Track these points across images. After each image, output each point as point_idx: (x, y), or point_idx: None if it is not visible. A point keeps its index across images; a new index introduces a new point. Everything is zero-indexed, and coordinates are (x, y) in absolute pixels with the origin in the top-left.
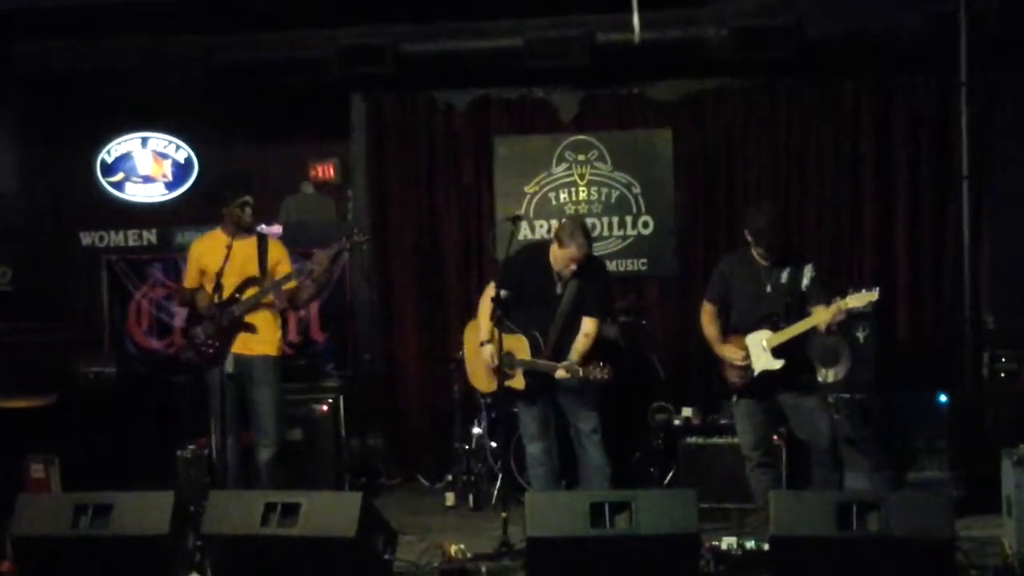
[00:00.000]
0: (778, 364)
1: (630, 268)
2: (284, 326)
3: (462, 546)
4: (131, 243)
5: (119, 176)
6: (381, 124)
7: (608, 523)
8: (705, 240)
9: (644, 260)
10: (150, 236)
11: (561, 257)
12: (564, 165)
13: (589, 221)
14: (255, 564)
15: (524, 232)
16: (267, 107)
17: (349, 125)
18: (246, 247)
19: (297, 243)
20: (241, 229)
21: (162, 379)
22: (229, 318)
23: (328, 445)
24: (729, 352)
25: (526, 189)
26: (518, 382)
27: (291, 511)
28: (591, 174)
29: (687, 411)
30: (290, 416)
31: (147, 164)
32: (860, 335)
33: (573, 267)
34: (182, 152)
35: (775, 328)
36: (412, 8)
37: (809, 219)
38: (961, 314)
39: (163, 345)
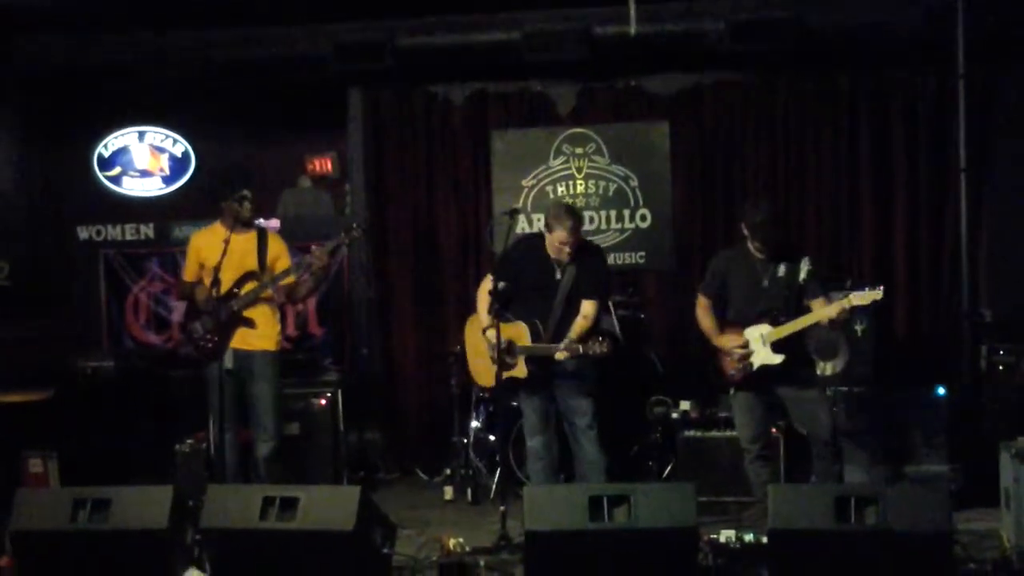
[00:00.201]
0: (778, 359)
1: (628, 261)
2: (282, 320)
3: (460, 540)
4: (128, 237)
5: (116, 170)
6: (378, 118)
7: (607, 516)
8: (703, 233)
9: (642, 253)
10: (147, 230)
11: (554, 242)
12: (562, 158)
13: (587, 214)
14: (254, 558)
15: (522, 225)
16: (264, 101)
17: (346, 119)
18: (245, 241)
19: (295, 237)
20: (240, 223)
21: (160, 373)
22: (228, 313)
23: (326, 439)
24: (728, 341)
25: (524, 183)
26: (520, 370)
27: (289, 505)
28: (589, 167)
29: (685, 404)
30: (288, 410)
31: (144, 158)
32: (858, 329)
33: (567, 250)
34: (179, 146)
35: (775, 322)
36: (409, 2)
37: (807, 213)
38: (959, 308)
39: (161, 339)
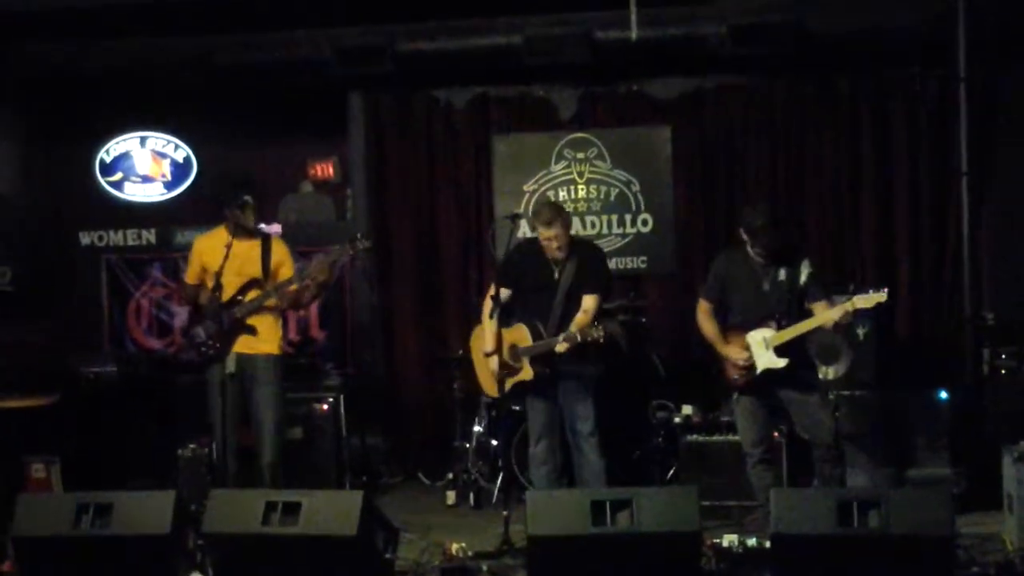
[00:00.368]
0: (782, 363)
1: (629, 266)
2: (284, 325)
3: (463, 545)
4: (130, 243)
5: (118, 176)
6: (380, 123)
7: (609, 521)
8: (704, 237)
9: (643, 258)
10: (149, 236)
11: (543, 242)
12: (563, 163)
13: (588, 219)
14: (256, 563)
15: (523, 230)
16: (266, 106)
17: (348, 123)
18: (246, 247)
19: (296, 242)
20: (241, 229)
21: (162, 378)
22: (230, 319)
23: (329, 444)
24: (733, 352)
25: (525, 187)
26: (526, 372)
27: (292, 510)
28: (590, 172)
29: (687, 409)
30: (290, 415)
31: (146, 163)
32: (860, 332)
33: (555, 245)
34: (181, 151)
35: (777, 326)
36: (410, 7)
37: (808, 216)
38: (961, 311)
39: (163, 344)
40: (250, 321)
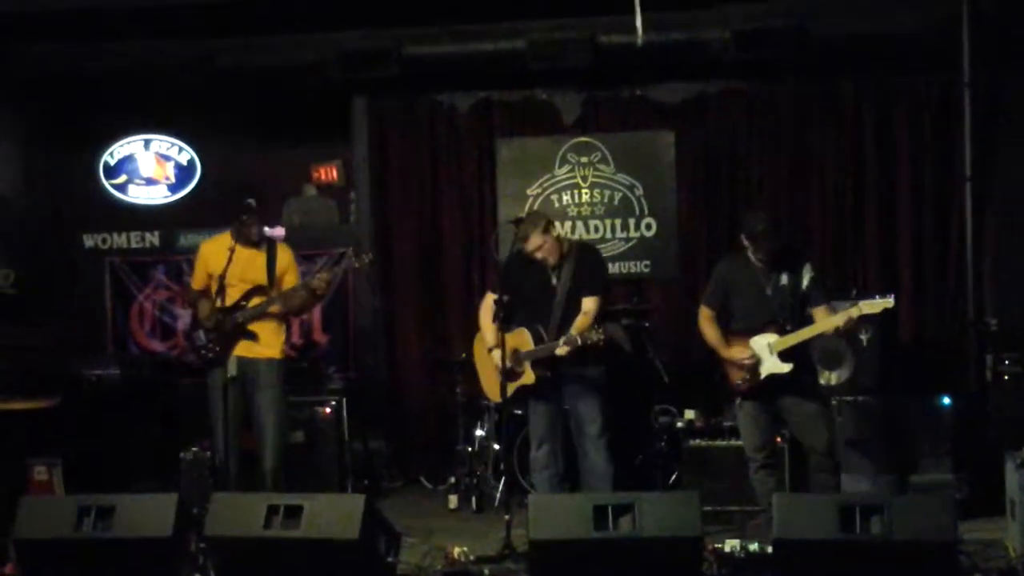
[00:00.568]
0: (786, 368)
1: (632, 270)
2: (287, 329)
3: (465, 548)
4: (134, 245)
5: (122, 178)
6: (383, 127)
7: (611, 525)
8: (708, 242)
9: (647, 262)
10: (153, 238)
11: (534, 254)
12: (567, 167)
13: (592, 223)
14: (258, 566)
15: None
16: (270, 109)
17: (351, 127)
18: (251, 253)
19: (300, 246)
20: (245, 240)
21: (165, 381)
22: (232, 324)
23: (331, 447)
24: (737, 353)
25: (529, 191)
26: (528, 377)
27: (294, 513)
28: (594, 176)
29: (690, 413)
30: (293, 419)
31: (150, 166)
32: (863, 337)
33: (540, 255)
34: (185, 154)
35: (780, 331)
36: (414, 11)
37: (811, 221)
38: (964, 316)
39: (166, 347)
40: (252, 327)
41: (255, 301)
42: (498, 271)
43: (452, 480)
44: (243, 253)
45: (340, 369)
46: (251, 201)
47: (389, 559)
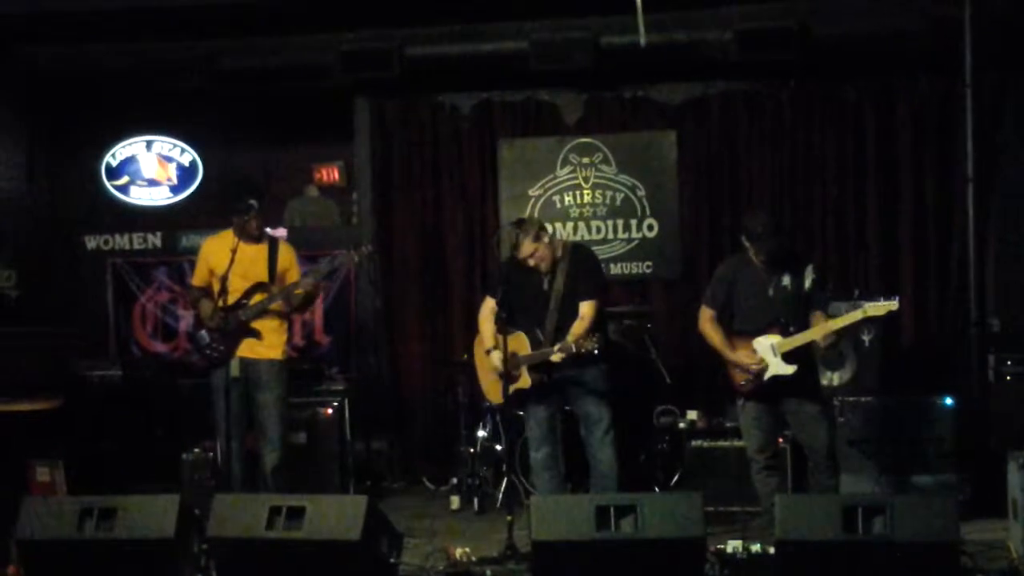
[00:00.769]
0: (790, 370)
1: (635, 271)
2: (289, 329)
3: (467, 549)
4: (136, 246)
5: (124, 179)
6: (385, 127)
7: (613, 526)
8: (710, 243)
9: (649, 263)
10: (155, 239)
11: (526, 260)
12: (568, 168)
13: (594, 224)
14: (260, 567)
15: None
16: (272, 110)
17: (353, 128)
18: (253, 251)
19: (301, 246)
20: (247, 236)
21: (167, 382)
22: (235, 322)
23: (333, 448)
24: (744, 357)
25: (530, 192)
26: (524, 381)
27: (296, 514)
28: (596, 177)
29: (692, 414)
30: (294, 419)
31: (152, 167)
32: (865, 338)
33: (534, 262)
34: (187, 155)
35: (784, 332)
36: (416, 12)
37: (813, 222)
38: (966, 317)
39: (168, 348)
40: (255, 325)
41: (257, 298)
42: (498, 273)
43: (454, 481)
44: (245, 251)
45: (342, 370)
46: (253, 202)
47: (391, 560)
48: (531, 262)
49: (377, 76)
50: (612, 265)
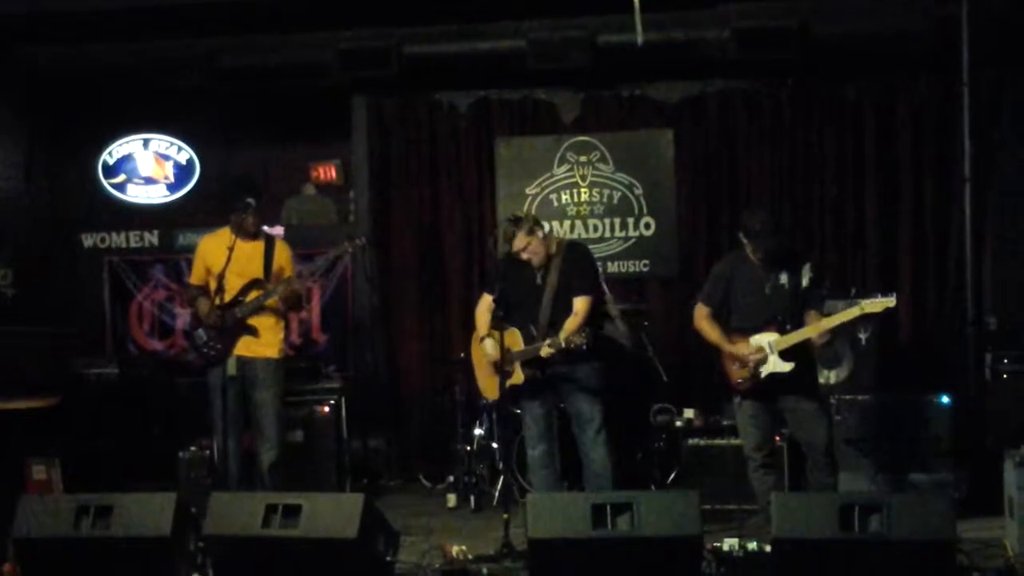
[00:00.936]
0: (788, 367)
1: (632, 269)
2: (286, 328)
3: (464, 547)
4: (133, 245)
5: (121, 178)
6: (383, 126)
7: (610, 524)
8: (707, 241)
9: (646, 261)
10: (152, 238)
11: (519, 254)
12: (566, 166)
13: (591, 223)
14: (257, 565)
15: None
16: (269, 109)
17: (351, 126)
18: (249, 249)
19: (298, 245)
20: (244, 233)
21: (164, 381)
22: (232, 320)
23: (329, 446)
24: (743, 349)
25: (528, 190)
26: (518, 377)
27: (292, 512)
28: (593, 175)
29: (689, 412)
30: (291, 417)
31: (149, 165)
32: (862, 336)
33: (525, 256)
34: (184, 153)
35: (781, 330)
36: (414, 10)
37: (812, 221)
38: (964, 315)
39: (165, 346)
40: (251, 322)
41: (253, 295)
42: (496, 271)
43: (451, 479)
44: (242, 249)
45: (339, 368)
46: (251, 200)
47: (388, 558)
48: (524, 255)
49: (375, 74)
50: (609, 263)
